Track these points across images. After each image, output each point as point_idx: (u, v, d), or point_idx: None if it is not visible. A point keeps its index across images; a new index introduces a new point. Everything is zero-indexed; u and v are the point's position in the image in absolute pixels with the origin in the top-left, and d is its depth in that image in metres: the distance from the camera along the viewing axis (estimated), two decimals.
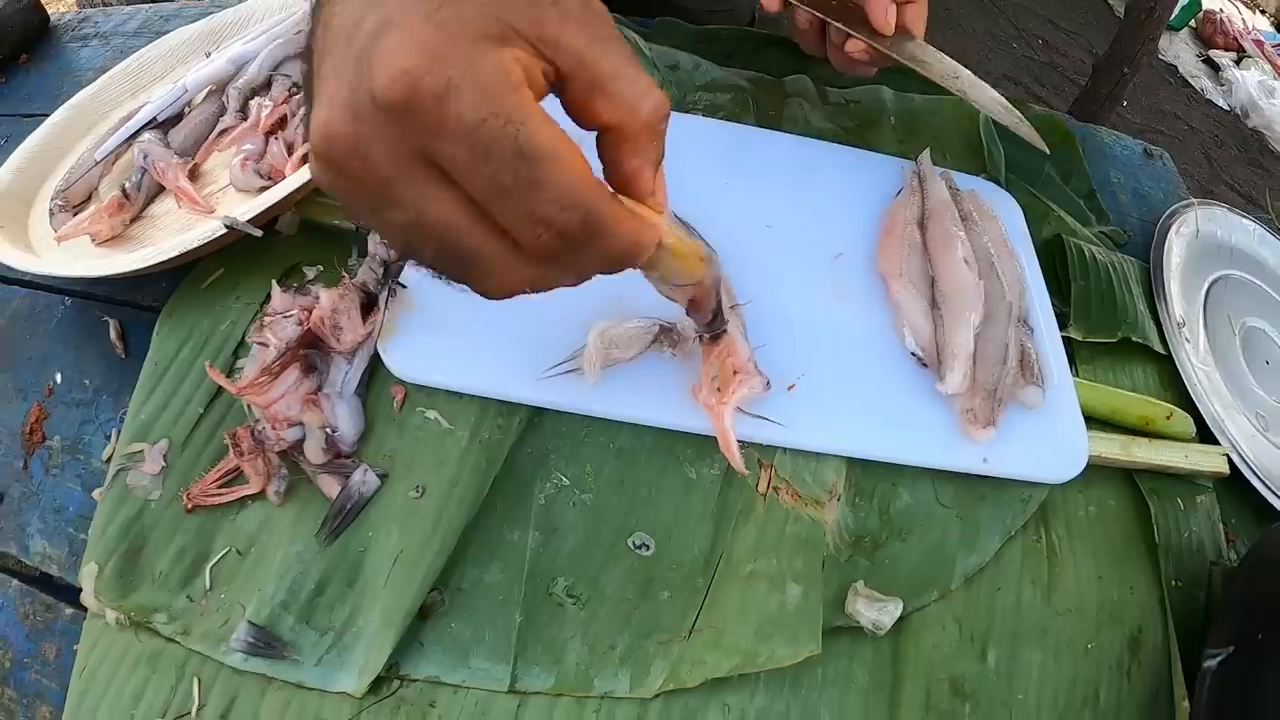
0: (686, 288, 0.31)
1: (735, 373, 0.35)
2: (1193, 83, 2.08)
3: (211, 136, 0.47)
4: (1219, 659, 0.37)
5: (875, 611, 0.34)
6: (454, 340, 0.37)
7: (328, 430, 0.36)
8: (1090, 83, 1.25)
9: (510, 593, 0.34)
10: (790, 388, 0.38)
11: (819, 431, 0.37)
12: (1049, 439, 0.40)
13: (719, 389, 0.35)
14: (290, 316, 0.37)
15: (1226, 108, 2.03)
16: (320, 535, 0.34)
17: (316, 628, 0.33)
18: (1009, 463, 0.38)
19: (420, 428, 0.36)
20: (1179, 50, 2.14)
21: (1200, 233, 0.60)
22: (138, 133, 0.47)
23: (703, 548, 0.35)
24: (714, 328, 0.35)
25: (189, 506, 0.35)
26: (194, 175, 0.46)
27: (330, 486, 0.35)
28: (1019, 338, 0.41)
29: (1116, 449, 0.43)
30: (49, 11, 0.60)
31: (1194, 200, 0.62)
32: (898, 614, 0.34)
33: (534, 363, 0.37)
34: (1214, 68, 2.12)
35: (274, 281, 0.38)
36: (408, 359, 0.37)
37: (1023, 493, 0.40)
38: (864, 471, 0.38)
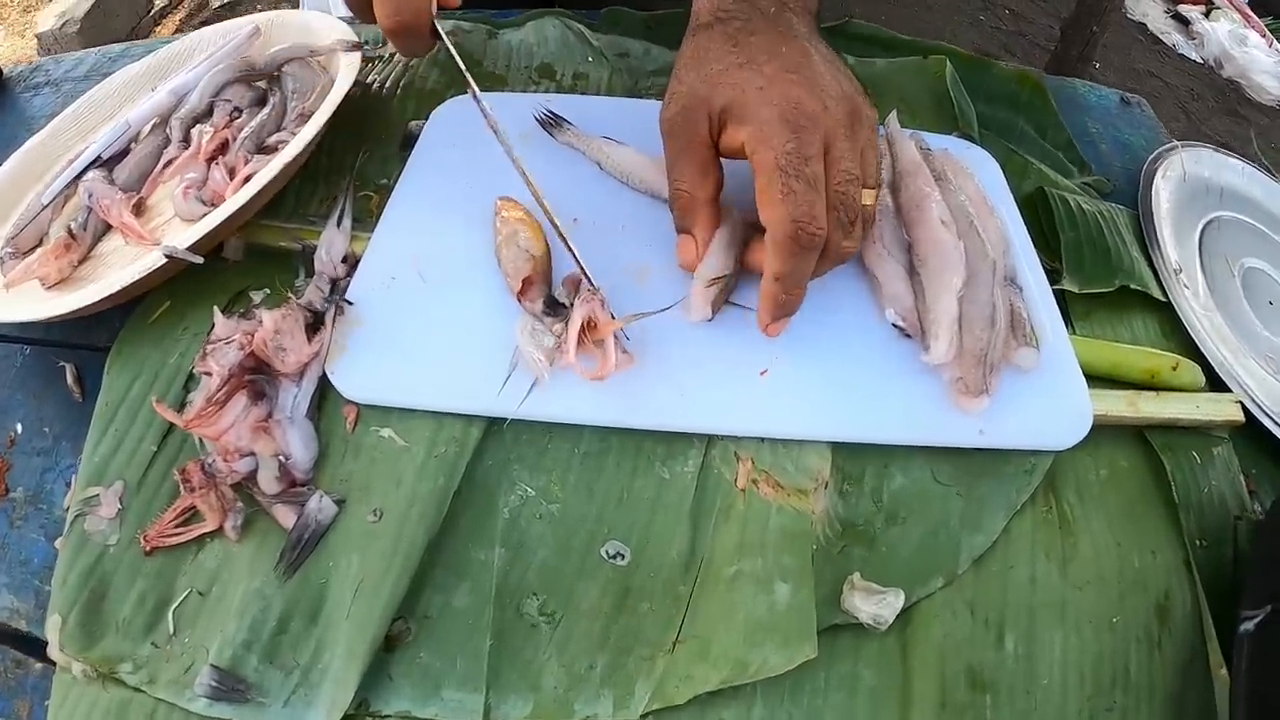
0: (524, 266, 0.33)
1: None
2: (1164, 39, 2.01)
3: (156, 169, 0.44)
4: (1256, 620, 0.33)
5: (874, 605, 0.30)
6: (403, 355, 0.34)
7: (281, 458, 0.33)
8: (1060, 45, 1.20)
9: (479, 616, 0.30)
10: (763, 373, 0.34)
11: (798, 417, 0.33)
12: (1049, 402, 0.35)
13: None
14: (232, 342, 0.33)
15: (1200, 60, 1.96)
16: (279, 569, 0.31)
17: (281, 667, 0.30)
18: (1007, 432, 0.34)
19: (375, 447, 0.33)
20: (1146, 8, 2.07)
21: (1188, 176, 0.56)
22: (84, 172, 0.44)
23: (682, 552, 0.31)
24: (555, 313, 0.34)
25: (147, 549, 0.33)
26: (141, 209, 0.43)
27: (286, 517, 0.32)
28: (1007, 297, 0.37)
29: (1123, 406, 0.39)
30: (2, 64, 0.58)
31: (1177, 143, 0.58)
32: (900, 605, 0.30)
33: (486, 372, 0.33)
34: (1183, 22, 2.06)
35: (215, 308, 0.35)
36: (357, 378, 0.33)
37: (1025, 463, 0.35)
38: (851, 455, 0.34)
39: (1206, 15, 2.03)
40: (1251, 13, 1.97)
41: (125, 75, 0.51)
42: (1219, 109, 1.80)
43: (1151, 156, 0.55)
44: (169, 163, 0.44)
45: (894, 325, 0.36)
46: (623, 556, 0.31)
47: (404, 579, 0.30)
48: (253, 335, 0.33)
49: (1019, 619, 0.33)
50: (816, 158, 0.31)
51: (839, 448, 0.34)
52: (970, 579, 0.33)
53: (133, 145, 0.46)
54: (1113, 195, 0.52)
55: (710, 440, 0.34)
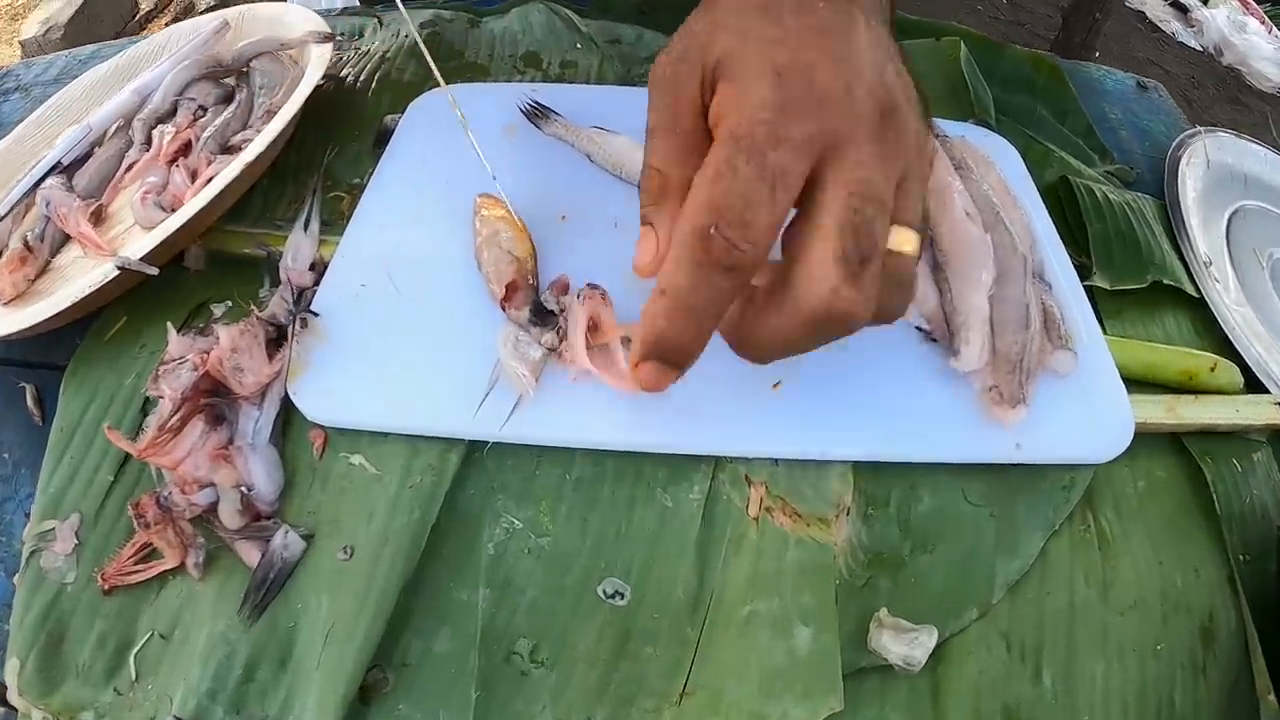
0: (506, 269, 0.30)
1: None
2: (1163, 27, 1.96)
3: (118, 174, 0.40)
4: None
5: (905, 645, 0.26)
6: (373, 372, 0.30)
7: (243, 489, 0.29)
8: (1062, 32, 1.16)
9: (464, 663, 0.27)
10: (775, 386, 0.30)
11: (816, 435, 0.30)
12: (1087, 410, 0.32)
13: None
14: (185, 362, 0.30)
15: (1199, 48, 1.91)
16: (243, 611, 0.28)
17: (248, 718, 0.27)
18: (1046, 445, 0.30)
19: (345, 476, 0.29)
20: None
21: (1212, 163, 0.52)
22: (43, 179, 0.40)
23: (688, 589, 0.28)
24: (543, 322, 0.30)
25: (106, 588, 0.30)
26: (101, 217, 0.39)
27: (250, 554, 0.29)
28: (1039, 295, 0.33)
29: (1161, 411, 0.35)
30: None
31: (1200, 129, 0.54)
32: (932, 645, 0.27)
33: (466, 390, 0.29)
34: (1182, 9, 2.01)
35: (169, 325, 0.31)
36: (322, 399, 0.30)
37: (1063, 478, 0.32)
38: (875, 476, 0.31)
39: (1205, 2, 1.98)
40: None
41: (92, 77, 0.47)
42: (1220, 97, 1.76)
43: (1175, 143, 0.51)
44: (130, 166, 0.40)
45: (917, 329, 0.32)
46: (622, 595, 0.28)
47: (379, 623, 0.27)
48: (208, 354, 0.29)
49: (1057, 650, 0.30)
50: (796, 148, 0.21)
51: (861, 468, 0.30)
52: (1005, 608, 0.30)
53: (95, 149, 0.42)
54: (1136, 184, 0.49)
55: (718, 463, 0.30)
